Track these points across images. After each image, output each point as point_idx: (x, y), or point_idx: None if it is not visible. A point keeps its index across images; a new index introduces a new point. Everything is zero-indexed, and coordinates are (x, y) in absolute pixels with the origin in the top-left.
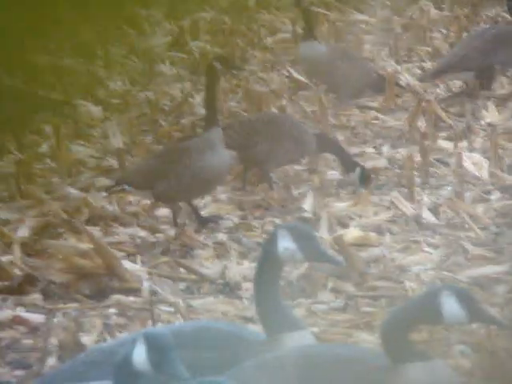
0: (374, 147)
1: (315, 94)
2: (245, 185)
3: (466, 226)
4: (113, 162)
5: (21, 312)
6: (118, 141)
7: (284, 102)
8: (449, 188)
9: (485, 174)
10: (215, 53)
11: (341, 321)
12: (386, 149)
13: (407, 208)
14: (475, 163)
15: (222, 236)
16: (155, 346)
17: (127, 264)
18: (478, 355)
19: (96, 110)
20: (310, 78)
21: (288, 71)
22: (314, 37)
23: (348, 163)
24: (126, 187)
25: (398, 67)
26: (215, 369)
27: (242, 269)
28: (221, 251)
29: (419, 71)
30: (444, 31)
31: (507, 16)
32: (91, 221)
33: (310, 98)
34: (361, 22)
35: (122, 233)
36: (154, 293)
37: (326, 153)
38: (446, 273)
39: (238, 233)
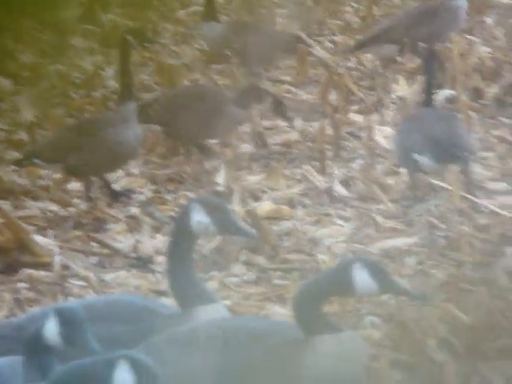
0: (287, 120)
1: (228, 67)
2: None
3: (377, 198)
4: (23, 136)
5: None
6: (28, 114)
7: (196, 75)
8: (360, 161)
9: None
10: (127, 26)
11: (253, 294)
12: (298, 122)
13: (319, 181)
14: (386, 136)
15: (134, 210)
16: (66, 320)
17: (38, 238)
18: (389, 326)
19: (6, 83)
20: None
21: (200, 44)
22: (213, 17)
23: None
24: (37, 161)
25: (310, 41)
26: (128, 342)
27: (154, 242)
28: (133, 225)
29: (331, 45)
30: (355, 5)
31: None
32: (1, 195)
33: (223, 72)
34: None
35: (33, 207)
36: (65, 267)
37: (260, 103)
38: (357, 245)
39: (150, 206)
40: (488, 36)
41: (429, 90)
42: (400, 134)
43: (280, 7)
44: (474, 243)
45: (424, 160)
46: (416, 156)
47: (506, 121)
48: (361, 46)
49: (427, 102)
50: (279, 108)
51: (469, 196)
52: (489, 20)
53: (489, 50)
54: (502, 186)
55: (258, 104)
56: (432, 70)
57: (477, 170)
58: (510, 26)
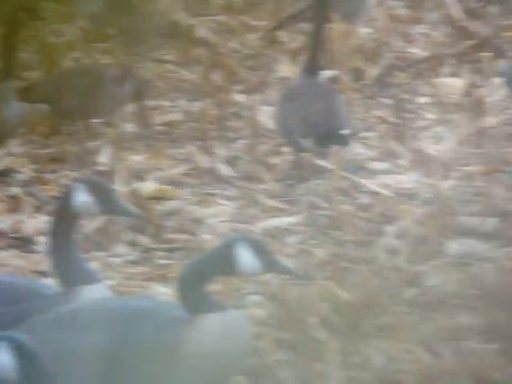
0: (170, 100)
1: (112, 47)
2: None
3: (261, 178)
4: None
5: None
6: None
7: (80, 54)
8: (244, 141)
9: None
10: (12, 3)
11: (137, 273)
12: (181, 102)
13: (203, 161)
14: (269, 116)
15: (15, 189)
16: None
17: None
18: (272, 305)
19: None
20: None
21: (83, 23)
22: None
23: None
24: None
25: (193, 20)
26: (9, 323)
27: (36, 223)
28: (14, 205)
29: (214, 25)
30: None
31: None
32: None
33: (107, 51)
34: None
35: None
36: None
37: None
38: (240, 224)
39: (32, 186)
40: (368, 17)
41: (314, 56)
42: (280, 114)
43: None
44: (356, 222)
45: (306, 143)
46: (298, 138)
47: (386, 101)
48: (281, 26)
49: (311, 69)
50: (139, 91)
51: (350, 175)
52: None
53: (369, 30)
54: (382, 165)
55: (129, 85)
56: (320, 34)
57: (358, 149)
58: (389, 6)
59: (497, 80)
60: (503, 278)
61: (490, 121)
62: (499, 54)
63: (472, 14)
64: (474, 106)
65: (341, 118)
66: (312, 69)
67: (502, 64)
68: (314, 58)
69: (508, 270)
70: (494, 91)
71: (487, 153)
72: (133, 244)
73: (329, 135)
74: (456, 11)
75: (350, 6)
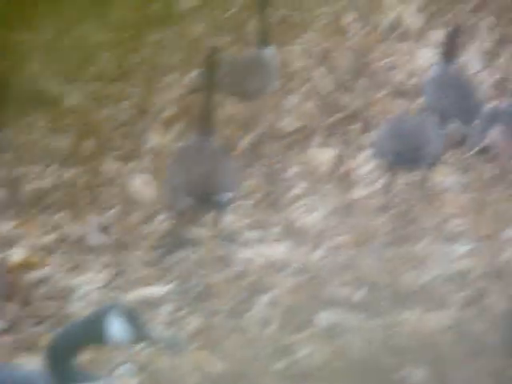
0: (41, 167)
1: None
2: None
3: (134, 245)
4: None
5: None
6: None
7: None
8: (117, 208)
9: (152, 195)
10: None
11: (5, 342)
12: (53, 169)
13: (75, 228)
14: (143, 184)
15: None
16: None
17: None
18: (144, 375)
19: None
20: None
21: None
22: None
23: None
24: None
25: (65, 87)
26: None
27: None
28: None
29: (86, 92)
30: (108, 53)
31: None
32: None
33: None
34: (26, 41)
35: None
36: None
37: None
38: (113, 293)
39: None
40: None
41: (206, 119)
42: (167, 175)
43: (35, 51)
44: (229, 291)
45: (185, 204)
46: (179, 199)
47: (259, 171)
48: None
49: (203, 132)
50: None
51: (224, 244)
52: None
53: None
54: (255, 234)
55: None
56: (212, 99)
57: (233, 218)
58: None
59: (366, 152)
60: (370, 350)
61: (359, 192)
62: (368, 126)
63: (342, 86)
64: (344, 178)
65: (222, 182)
66: (204, 131)
67: (371, 136)
68: (206, 121)
69: (375, 340)
70: (363, 163)
71: (356, 224)
72: (1, 312)
73: (206, 198)
74: (326, 84)
75: (251, 85)
